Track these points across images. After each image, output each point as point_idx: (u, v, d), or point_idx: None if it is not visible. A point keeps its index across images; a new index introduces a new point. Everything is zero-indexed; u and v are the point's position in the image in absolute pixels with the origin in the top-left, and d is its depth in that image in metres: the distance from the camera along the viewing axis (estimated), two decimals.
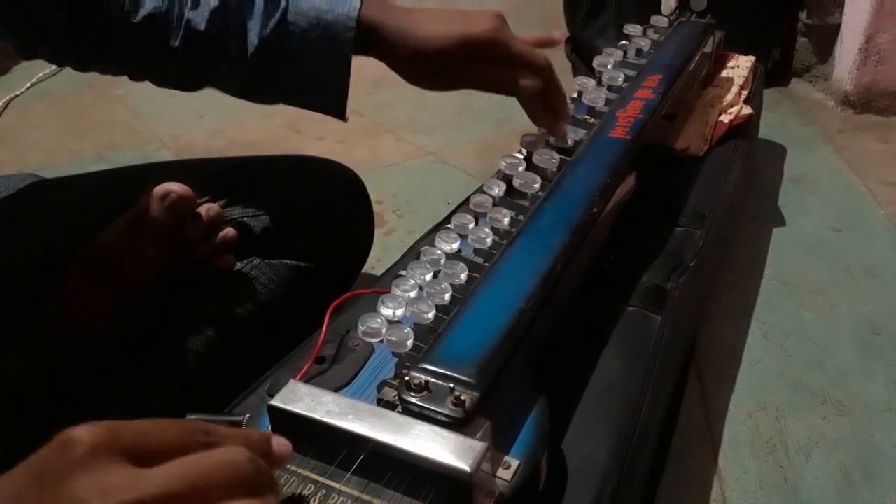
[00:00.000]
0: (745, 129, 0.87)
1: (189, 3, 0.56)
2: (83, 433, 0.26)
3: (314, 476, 0.36)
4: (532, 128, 0.64)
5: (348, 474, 0.35)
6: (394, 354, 0.43)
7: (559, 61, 1.45)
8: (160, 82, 0.62)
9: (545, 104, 0.61)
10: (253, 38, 0.57)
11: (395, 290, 0.46)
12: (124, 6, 0.55)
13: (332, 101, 0.61)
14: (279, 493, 0.30)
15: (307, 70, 0.59)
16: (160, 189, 0.56)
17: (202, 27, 0.56)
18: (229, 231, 0.61)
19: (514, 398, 0.41)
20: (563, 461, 0.44)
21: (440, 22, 0.58)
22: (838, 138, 1.19)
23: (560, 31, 0.65)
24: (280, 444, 0.32)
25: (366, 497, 0.35)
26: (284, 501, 0.34)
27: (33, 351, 0.54)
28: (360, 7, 0.57)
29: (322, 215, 0.68)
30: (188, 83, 0.61)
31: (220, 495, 0.26)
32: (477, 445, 0.34)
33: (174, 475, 0.26)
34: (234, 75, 0.59)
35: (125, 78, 0.61)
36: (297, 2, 0.57)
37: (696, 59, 0.79)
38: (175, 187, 0.56)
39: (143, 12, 0.55)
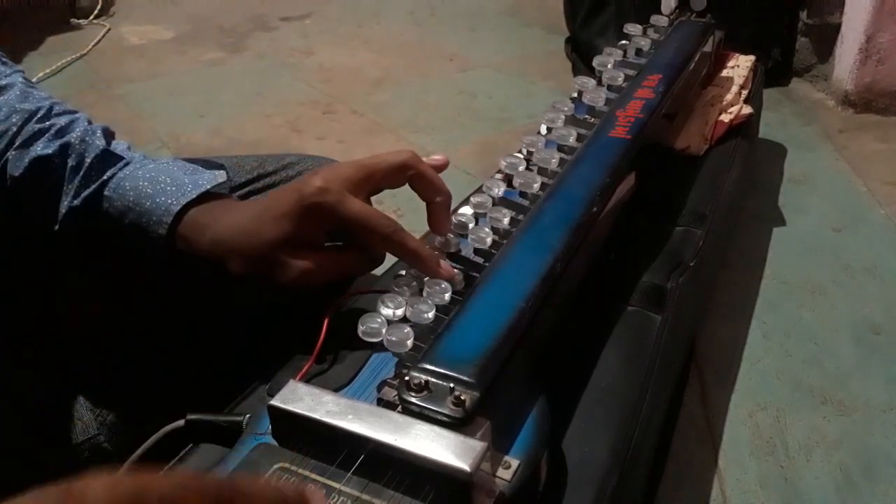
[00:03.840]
0: (745, 128, 0.87)
1: (17, 144, 0.50)
2: (99, 489, 0.22)
3: (314, 476, 0.36)
4: (533, 128, 0.64)
5: (348, 474, 0.35)
6: (394, 354, 0.43)
7: (560, 61, 1.45)
8: None
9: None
10: (63, 206, 0.50)
11: (396, 290, 0.46)
12: None
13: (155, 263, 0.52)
14: None
15: (128, 242, 0.51)
16: None
17: (17, 173, 0.50)
18: None
19: (514, 398, 0.41)
20: (563, 461, 0.44)
21: (252, 222, 0.47)
22: (838, 138, 1.19)
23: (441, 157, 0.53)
24: (318, 499, 0.29)
25: (366, 497, 0.35)
26: None
27: (33, 351, 0.54)
28: (191, 204, 0.48)
29: None
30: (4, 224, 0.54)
31: None
32: (477, 445, 0.34)
33: None
34: (37, 229, 0.52)
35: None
36: (124, 176, 0.50)
37: (697, 58, 0.79)
38: None
39: None
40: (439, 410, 0.37)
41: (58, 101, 0.54)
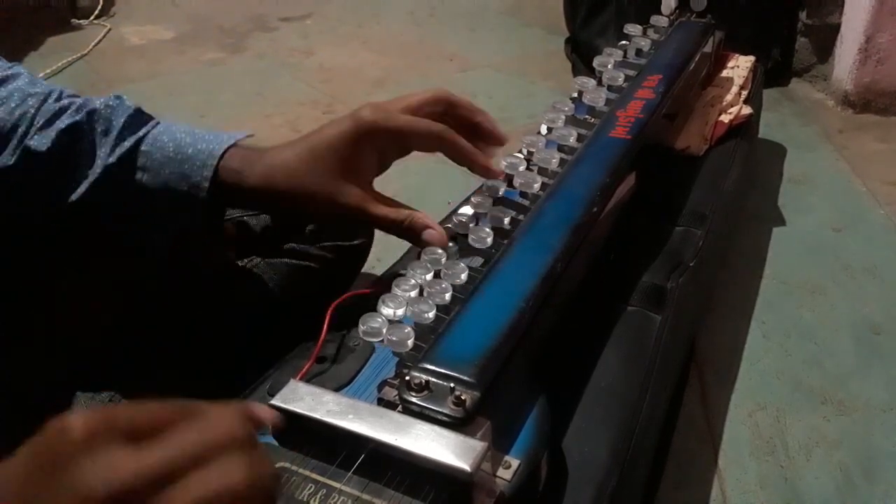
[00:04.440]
0: (745, 128, 0.87)
1: (39, 125, 0.51)
2: (77, 419, 0.26)
3: (314, 476, 0.36)
4: (533, 128, 0.64)
5: (349, 474, 0.35)
6: (394, 354, 0.43)
7: (560, 61, 1.45)
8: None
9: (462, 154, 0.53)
10: (98, 165, 0.51)
11: (396, 290, 0.46)
12: None
13: (172, 243, 0.53)
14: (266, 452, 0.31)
15: (159, 207, 0.51)
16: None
17: (43, 148, 0.50)
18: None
19: (515, 398, 0.41)
20: (563, 461, 0.44)
21: (303, 143, 0.50)
22: (838, 138, 1.19)
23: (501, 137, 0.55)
24: (261, 409, 0.33)
25: (366, 497, 0.35)
26: (284, 501, 0.34)
27: (33, 350, 0.54)
28: (226, 153, 0.50)
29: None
30: (23, 206, 0.54)
31: (217, 457, 0.27)
32: (477, 445, 0.34)
33: (171, 446, 0.27)
34: (68, 205, 0.52)
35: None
36: (158, 134, 0.51)
37: (697, 58, 0.79)
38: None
39: None
40: (440, 410, 0.37)
41: (63, 88, 0.54)
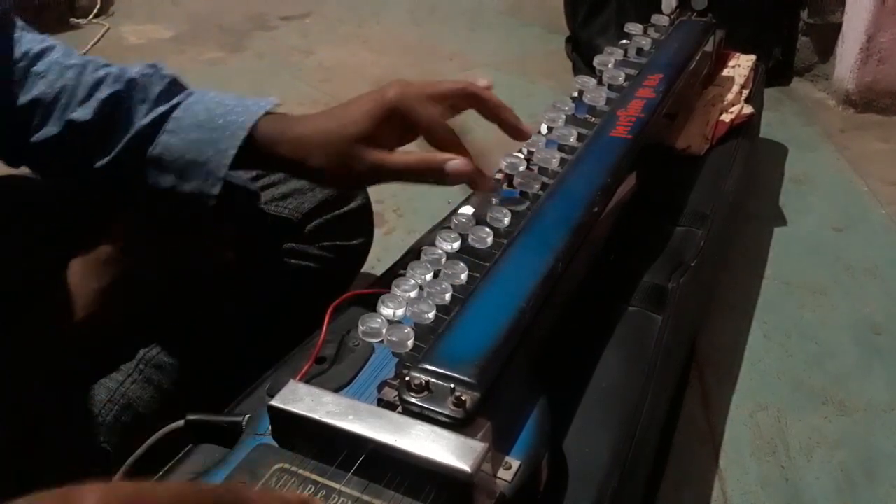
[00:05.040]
0: (746, 128, 0.87)
1: (80, 97, 0.53)
2: (96, 499, 0.22)
3: (314, 477, 0.36)
4: (533, 127, 0.64)
5: (348, 475, 0.35)
6: (394, 354, 0.43)
7: (560, 60, 1.45)
8: (38, 171, 0.58)
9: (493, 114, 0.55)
10: (133, 130, 0.53)
11: (396, 290, 0.45)
12: (9, 88, 0.53)
13: (196, 210, 0.54)
14: None
15: (175, 172, 0.53)
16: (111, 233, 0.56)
17: (87, 117, 0.53)
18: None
19: (515, 398, 0.41)
20: (563, 461, 0.44)
21: (333, 115, 0.53)
22: (839, 138, 1.19)
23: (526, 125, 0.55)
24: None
25: (366, 498, 0.35)
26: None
27: (32, 350, 0.54)
28: (259, 121, 0.52)
29: (322, 214, 0.68)
30: (64, 173, 0.57)
31: None
32: (478, 446, 0.34)
33: None
34: (108, 164, 0.54)
35: None
36: (192, 103, 0.54)
37: (697, 58, 0.79)
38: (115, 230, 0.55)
39: (27, 97, 0.53)
40: (440, 411, 0.37)
41: (96, 57, 0.56)
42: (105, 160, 0.53)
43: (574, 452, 0.44)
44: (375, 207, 0.75)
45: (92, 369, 0.56)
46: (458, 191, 0.55)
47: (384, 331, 0.42)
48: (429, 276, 0.47)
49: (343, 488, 0.35)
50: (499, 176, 0.56)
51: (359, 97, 0.53)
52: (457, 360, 0.39)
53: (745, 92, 0.90)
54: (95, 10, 1.82)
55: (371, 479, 0.35)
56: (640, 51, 0.76)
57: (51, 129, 0.53)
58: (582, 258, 0.53)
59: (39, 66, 0.54)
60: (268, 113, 0.53)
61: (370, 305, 0.44)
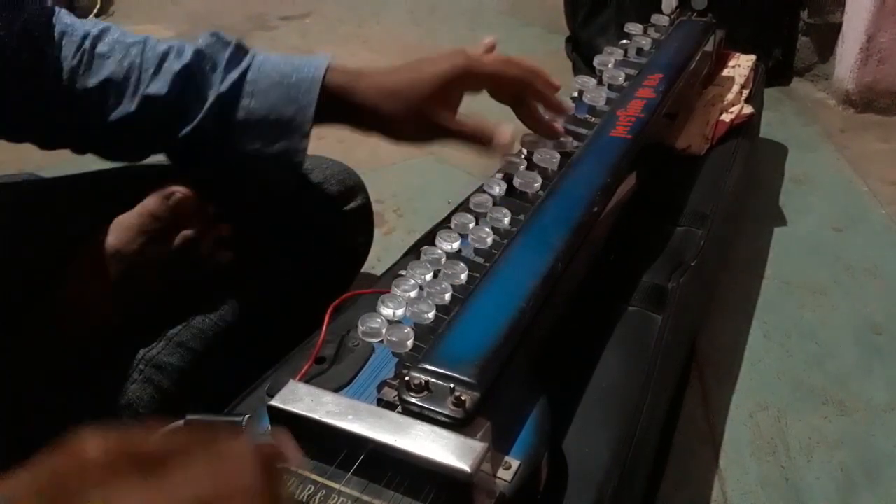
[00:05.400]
0: (746, 128, 0.87)
1: (151, 71, 0.55)
2: (93, 445, 0.25)
3: (314, 476, 0.36)
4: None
5: (348, 475, 0.35)
6: (394, 354, 0.43)
7: (560, 60, 1.44)
8: (117, 151, 0.60)
9: (534, 110, 0.61)
10: (211, 96, 0.55)
11: (396, 290, 0.45)
12: (76, 71, 0.54)
13: (285, 170, 0.57)
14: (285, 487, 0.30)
15: (262, 135, 0.56)
16: (164, 189, 0.56)
17: (163, 91, 0.55)
18: (225, 227, 0.61)
19: (515, 398, 0.41)
20: (563, 461, 0.44)
21: (405, 72, 0.58)
22: (839, 138, 1.19)
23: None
24: (284, 443, 0.32)
25: (366, 497, 0.35)
26: (284, 501, 0.34)
27: (33, 351, 0.54)
28: (326, 74, 0.55)
29: (322, 215, 0.68)
30: (137, 150, 0.60)
31: (231, 496, 0.26)
32: (477, 446, 0.34)
33: (186, 482, 0.26)
34: (187, 135, 0.56)
35: None
36: (260, 64, 0.56)
37: (697, 58, 0.79)
38: (179, 188, 0.56)
39: (97, 78, 0.55)
40: (439, 411, 0.37)
41: (148, 35, 0.58)
42: (188, 129, 0.55)
43: (574, 452, 0.44)
44: (375, 207, 0.75)
45: (92, 369, 0.56)
46: (458, 191, 0.55)
47: (384, 331, 0.42)
48: (429, 276, 0.47)
49: (343, 488, 0.35)
50: (499, 176, 0.56)
51: (428, 58, 0.57)
52: (456, 360, 0.39)
53: (745, 92, 0.90)
54: (95, 10, 1.82)
55: (371, 478, 0.35)
56: (640, 51, 0.76)
57: (127, 107, 0.55)
58: (582, 258, 0.53)
59: (102, 48, 0.55)
60: (331, 67, 0.56)
61: (370, 305, 0.44)
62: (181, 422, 0.44)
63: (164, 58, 0.56)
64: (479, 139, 0.58)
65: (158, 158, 0.68)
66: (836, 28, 1.29)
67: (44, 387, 0.54)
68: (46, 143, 0.60)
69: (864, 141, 1.18)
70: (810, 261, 0.91)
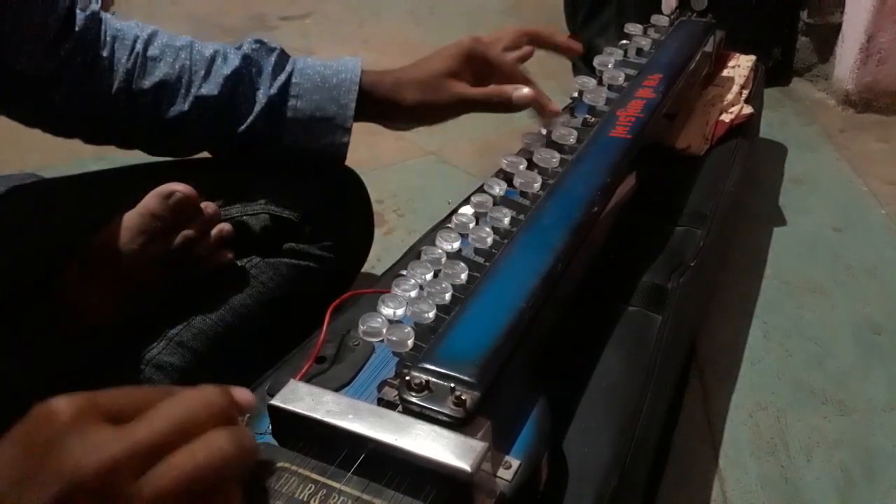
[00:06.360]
0: (745, 128, 0.87)
1: (201, 74, 0.60)
2: (62, 403, 0.27)
3: (314, 476, 0.36)
4: (533, 128, 0.64)
5: (349, 474, 0.35)
6: (394, 354, 0.43)
7: (560, 60, 1.44)
8: (166, 149, 0.65)
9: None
10: (261, 97, 0.61)
11: (396, 290, 0.45)
12: (131, 74, 0.59)
13: (333, 157, 0.65)
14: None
15: (310, 129, 0.62)
16: (164, 188, 0.56)
17: (215, 92, 0.60)
18: (225, 226, 0.61)
19: (515, 398, 0.41)
20: (563, 461, 0.44)
21: (420, 63, 0.66)
22: (839, 138, 1.19)
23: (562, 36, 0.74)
24: (240, 391, 0.34)
25: (366, 497, 0.35)
26: (285, 501, 0.34)
27: (33, 350, 0.54)
28: (361, 75, 0.63)
29: (322, 214, 0.68)
30: (188, 147, 0.65)
31: (200, 430, 0.28)
32: (478, 445, 0.34)
33: (156, 419, 0.28)
34: (237, 135, 0.62)
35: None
36: (302, 68, 0.62)
37: (697, 58, 0.79)
38: (179, 187, 0.56)
39: (152, 80, 0.59)
40: (440, 410, 0.37)
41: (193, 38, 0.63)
42: (242, 128, 0.61)
43: (574, 452, 0.44)
44: (375, 207, 0.76)
45: (92, 369, 0.56)
46: (459, 191, 0.56)
47: (384, 330, 0.43)
48: (429, 276, 0.47)
49: (343, 487, 0.35)
50: (500, 176, 0.56)
51: (441, 50, 0.65)
52: (457, 360, 0.39)
53: (745, 92, 0.90)
54: None
55: (371, 478, 0.35)
56: (639, 51, 0.76)
57: (181, 107, 0.60)
58: (582, 258, 0.53)
59: (153, 51, 0.60)
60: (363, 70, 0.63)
61: (370, 305, 0.45)
62: None
63: (212, 60, 0.60)
64: (498, 100, 0.64)
65: (157, 159, 0.68)
66: (836, 28, 1.29)
67: (44, 387, 0.54)
68: (97, 140, 0.64)
69: (864, 141, 1.18)
70: (810, 261, 0.91)
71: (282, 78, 0.61)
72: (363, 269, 0.75)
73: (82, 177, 0.69)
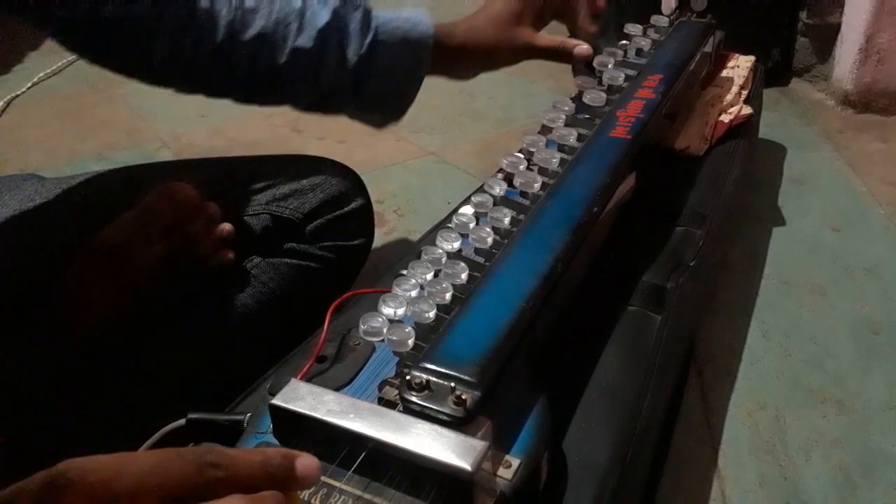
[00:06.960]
0: (745, 128, 0.87)
1: (295, 26, 0.60)
2: (76, 476, 0.23)
3: None
4: (533, 128, 0.64)
5: (349, 473, 0.36)
6: (395, 354, 0.43)
7: None
8: (254, 99, 0.66)
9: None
10: (351, 55, 0.62)
11: (396, 290, 0.46)
12: (233, 25, 0.59)
13: (397, 112, 0.67)
14: None
15: (390, 84, 0.65)
16: (166, 188, 0.56)
17: (308, 45, 0.61)
18: (226, 226, 0.61)
19: (515, 397, 0.41)
20: (563, 460, 0.44)
21: (482, 11, 0.68)
22: (838, 138, 1.20)
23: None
24: (305, 465, 0.28)
25: (367, 496, 0.35)
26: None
27: (33, 350, 0.54)
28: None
29: (322, 215, 0.68)
30: (278, 98, 0.66)
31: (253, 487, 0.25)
32: (478, 444, 0.34)
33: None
34: (322, 88, 0.63)
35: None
36: (384, 22, 0.64)
37: (697, 58, 0.79)
38: (181, 187, 0.56)
39: (252, 31, 0.59)
40: (440, 410, 0.37)
41: None
42: (329, 81, 0.62)
43: (574, 451, 0.45)
44: (375, 208, 0.76)
45: (92, 369, 0.56)
46: (459, 191, 0.56)
47: (385, 330, 0.43)
48: (429, 276, 0.47)
49: (344, 486, 0.35)
50: (500, 176, 0.57)
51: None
52: (457, 360, 0.39)
53: (744, 92, 0.91)
54: None
55: (372, 477, 0.35)
56: (639, 51, 0.76)
57: (279, 58, 0.60)
58: (581, 258, 0.53)
59: (249, 2, 0.60)
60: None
61: (371, 305, 0.45)
62: (182, 421, 0.45)
63: (302, 13, 0.61)
64: (560, 52, 0.70)
65: (158, 158, 0.68)
66: (835, 28, 1.29)
67: (44, 387, 0.54)
68: (190, 89, 0.65)
69: (863, 141, 1.19)
70: (809, 261, 0.91)
71: (370, 37, 0.62)
72: (363, 269, 0.76)
73: (83, 177, 0.69)
